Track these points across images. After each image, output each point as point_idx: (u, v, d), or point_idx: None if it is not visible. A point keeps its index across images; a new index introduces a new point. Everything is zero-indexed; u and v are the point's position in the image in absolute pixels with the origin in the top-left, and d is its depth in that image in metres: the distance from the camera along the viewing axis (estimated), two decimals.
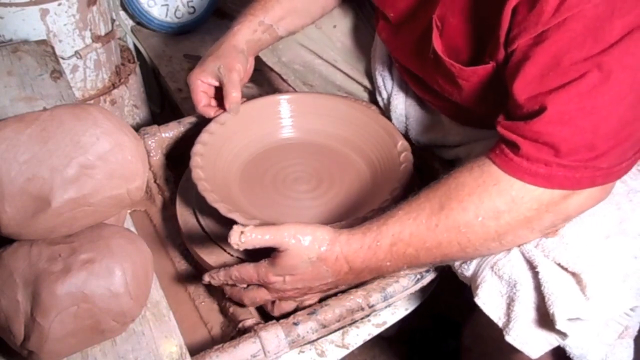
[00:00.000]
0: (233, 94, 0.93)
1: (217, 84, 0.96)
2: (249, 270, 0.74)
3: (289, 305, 0.80)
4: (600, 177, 0.65)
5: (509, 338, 0.70)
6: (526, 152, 0.65)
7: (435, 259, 0.71)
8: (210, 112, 0.97)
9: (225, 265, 0.84)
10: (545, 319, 0.68)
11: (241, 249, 0.70)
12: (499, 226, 0.67)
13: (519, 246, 0.71)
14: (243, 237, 0.68)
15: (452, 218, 0.68)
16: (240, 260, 0.83)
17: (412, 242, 0.69)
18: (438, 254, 0.70)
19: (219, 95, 0.97)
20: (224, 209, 0.81)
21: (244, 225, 0.69)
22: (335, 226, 0.79)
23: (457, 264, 0.76)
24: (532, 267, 0.69)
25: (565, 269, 0.68)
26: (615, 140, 0.63)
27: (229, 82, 0.93)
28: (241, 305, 0.81)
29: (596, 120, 0.63)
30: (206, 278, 0.78)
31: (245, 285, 0.78)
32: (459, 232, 0.68)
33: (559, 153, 0.64)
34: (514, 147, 0.66)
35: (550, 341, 0.70)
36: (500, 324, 0.71)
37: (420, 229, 0.69)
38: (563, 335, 0.68)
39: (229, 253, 0.86)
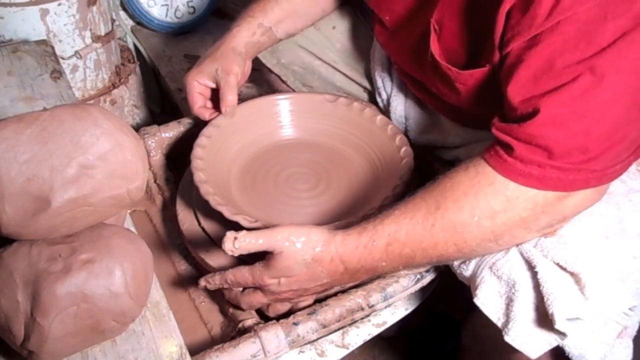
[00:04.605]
0: (229, 97, 0.93)
1: (213, 85, 0.96)
2: (244, 273, 0.74)
3: (284, 307, 0.80)
4: (594, 179, 0.65)
5: (508, 338, 0.70)
6: (520, 153, 0.65)
7: (431, 259, 0.71)
8: (205, 114, 0.97)
9: (225, 266, 0.84)
10: (544, 319, 0.68)
11: (236, 254, 0.70)
12: (494, 226, 0.67)
13: (517, 246, 0.71)
14: (237, 243, 0.69)
15: (448, 218, 0.68)
16: (238, 263, 0.83)
17: (408, 242, 0.70)
18: (434, 255, 0.70)
19: (215, 97, 0.97)
20: (227, 212, 0.81)
21: (237, 231, 0.69)
22: (336, 225, 0.79)
23: (455, 264, 0.77)
24: (531, 267, 0.69)
25: (564, 269, 0.68)
26: (608, 143, 0.63)
27: (226, 84, 0.93)
28: (240, 308, 0.81)
29: (588, 123, 0.63)
30: (202, 283, 0.78)
31: (241, 289, 0.78)
32: (455, 232, 0.68)
33: (552, 155, 0.64)
34: (508, 148, 0.66)
35: (549, 341, 0.70)
36: (499, 324, 0.71)
37: (416, 228, 0.69)
38: (562, 335, 0.68)
39: None
